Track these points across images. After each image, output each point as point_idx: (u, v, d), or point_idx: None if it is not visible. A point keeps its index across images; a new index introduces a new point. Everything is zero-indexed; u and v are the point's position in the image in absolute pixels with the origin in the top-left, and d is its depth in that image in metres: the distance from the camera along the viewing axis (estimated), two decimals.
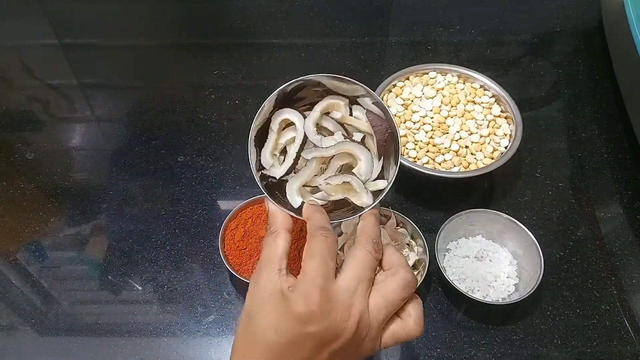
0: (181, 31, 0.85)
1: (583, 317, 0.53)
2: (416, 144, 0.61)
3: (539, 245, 0.52)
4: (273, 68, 0.77)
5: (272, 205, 0.38)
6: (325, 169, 0.43)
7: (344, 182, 0.41)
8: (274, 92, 0.41)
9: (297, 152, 0.42)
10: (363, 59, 0.78)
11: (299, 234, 0.53)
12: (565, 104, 0.72)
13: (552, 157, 0.66)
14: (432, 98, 0.64)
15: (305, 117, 0.42)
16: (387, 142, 0.43)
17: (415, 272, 0.53)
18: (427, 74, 0.66)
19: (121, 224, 0.61)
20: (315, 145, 0.42)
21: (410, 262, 0.53)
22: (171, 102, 0.73)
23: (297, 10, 0.85)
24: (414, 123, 0.62)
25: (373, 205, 0.40)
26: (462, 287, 0.52)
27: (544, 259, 0.51)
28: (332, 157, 0.42)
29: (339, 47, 0.80)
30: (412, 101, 0.64)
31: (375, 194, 0.42)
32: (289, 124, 0.43)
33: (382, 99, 0.64)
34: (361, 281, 0.33)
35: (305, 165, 0.42)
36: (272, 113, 0.42)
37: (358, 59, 0.77)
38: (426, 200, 0.62)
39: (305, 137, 0.42)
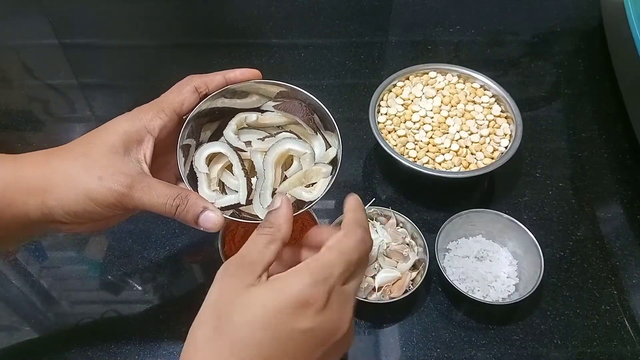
0: (181, 31, 0.85)
1: (583, 317, 0.53)
2: (416, 144, 0.61)
3: (539, 245, 0.52)
4: (273, 68, 0.77)
5: (285, 210, 0.35)
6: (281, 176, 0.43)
7: (298, 174, 0.42)
8: (179, 140, 0.41)
9: (242, 169, 0.42)
10: (363, 59, 0.78)
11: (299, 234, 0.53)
12: (565, 104, 0.72)
13: (552, 157, 0.66)
14: (432, 98, 0.64)
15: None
16: (312, 115, 0.44)
17: (415, 272, 0.53)
18: (427, 73, 0.66)
19: (121, 224, 0.61)
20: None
21: (410, 262, 0.53)
22: None
23: (297, 10, 0.85)
24: (414, 123, 0.62)
25: (337, 169, 0.41)
26: (462, 287, 0.52)
27: (544, 259, 0.51)
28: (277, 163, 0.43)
29: (339, 47, 0.80)
30: (412, 101, 0.64)
31: (332, 163, 0.42)
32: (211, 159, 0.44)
33: (382, 99, 0.64)
34: (356, 277, 0.33)
35: (263, 175, 0.42)
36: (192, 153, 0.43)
37: (358, 59, 0.77)
38: (426, 200, 0.62)
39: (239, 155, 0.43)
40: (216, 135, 0.45)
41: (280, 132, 0.44)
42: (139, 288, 0.56)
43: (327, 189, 0.40)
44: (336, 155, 0.42)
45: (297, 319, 0.29)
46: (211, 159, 0.43)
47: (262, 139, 0.44)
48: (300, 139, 0.44)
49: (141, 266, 0.57)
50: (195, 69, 0.77)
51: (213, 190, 0.42)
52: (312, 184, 0.42)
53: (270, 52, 0.79)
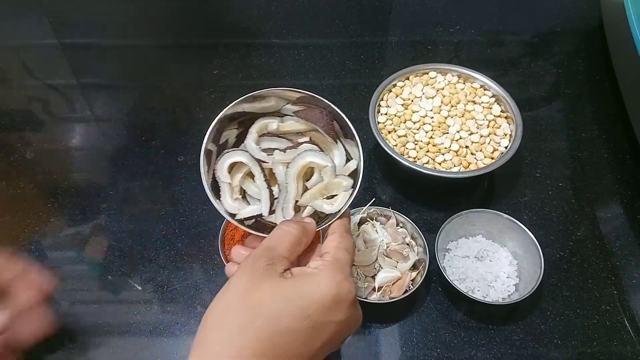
0: (181, 31, 0.85)
1: (583, 317, 0.53)
2: (416, 144, 0.61)
3: (539, 245, 0.52)
4: (273, 68, 0.77)
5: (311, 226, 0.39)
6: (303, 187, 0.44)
7: (319, 186, 0.42)
8: (203, 147, 0.42)
9: (265, 181, 0.42)
10: (363, 59, 0.78)
11: None
12: (565, 104, 0.72)
13: (552, 157, 0.66)
14: (432, 98, 0.64)
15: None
16: (332, 122, 0.44)
17: (415, 272, 0.53)
18: (427, 73, 0.66)
19: (121, 224, 0.61)
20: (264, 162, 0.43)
21: (410, 262, 0.53)
22: (171, 102, 0.73)
23: (297, 10, 0.85)
24: (414, 123, 0.62)
25: (358, 182, 0.41)
26: (462, 287, 0.52)
27: (544, 259, 0.51)
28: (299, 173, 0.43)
29: (339, 47, 0.80)
30: (412, 101, 0.64)
31: (352, 175, 0.42)
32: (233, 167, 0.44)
33: (382, 99, 0.64)
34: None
35: (285, 189, 0.42)
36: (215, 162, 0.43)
37: (358, 59, 0.77)
38: (426, 200, 0.62)
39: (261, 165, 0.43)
40: (237, 141, 0.45)
41: (301, 140, 0.44)
42: (139, 288, 0.56)
43: (349, 202, 0.41)
44: (357, 167, 0.42)
45: (334, 311, 0.33)
46: (231, 169, 0.43)
47: (284, 150, 0.43)
48: (321, 148, 0.44)
49: (141, 266, 0.58)
50: (195, 69, 0.78)
51: (235, 199, 0.43)
52: (333, 196, 0.43)
53: (270, 52, 0.79)
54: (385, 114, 0.63)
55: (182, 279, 0.56)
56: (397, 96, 0.64)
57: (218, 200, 0.42)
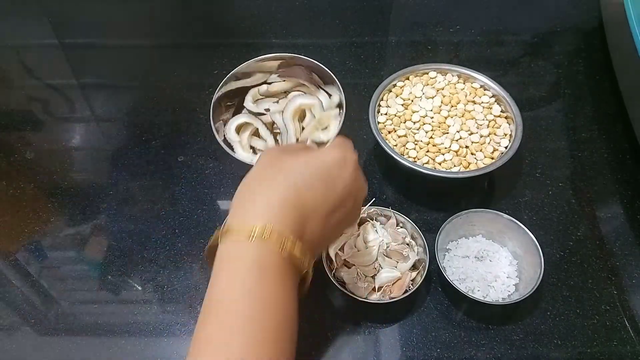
0: (181, 31, 0.85)
1: (583, 317, 0.53)
2: (416, 144, 0.61)
3: (539, 245, 0.52)
4: None
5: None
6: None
7: (313, 122, 0.54)
8: (211, 121, 0.56)
9: (267, 130, 0.54)
10: (363, 59, 0.78)
11: None
12: (565, 104, 0.72)
13: (552, 157, 0.66)
14: (432, 98, 0.64)
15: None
16: (311, 74, 0.56)
17: (415, 272, 0.53)
18: (427, 73, 0.66)
19: (121, 224, 0.61)
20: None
21: (410, 262, 0.53)
22: (171, 102, 0.73)
23: (297, 10, 0.85)
24: (414, 123, 0.62)
25: (344, 110, 0.54)
26: (462, 287, 0.52)
27: (544, 259, 0.51)
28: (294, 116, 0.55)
29: (339, 47, 0.80)
30: (412, 101, 0.64)
31: (339, 107, 0.54)
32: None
33: (382, 98, 0.64)
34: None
35: (285, 129, 0.53)
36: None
37: (358, 59, 0.77)
38: (426, 200, 0.62)
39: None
40: (237, 113, 0.57)
41: (290, 93, 0.57)
42: (139, 288, 0.56)
43: (340, 127, 0.52)
44: (340, 99, 0.54)
45: (342, 169, 0.41)
46: (239, 130, 0.54)
47: (277, 102, 0.55)
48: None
49: (141, 266, 0.58)
50: (195, 69, 0.78)
51: (247, 152, 0.54)
52: (326, 128, 0.54)
53: (270, 52, 0.79)
54: (385, 114, 0.63)
55: (182, 279, 0.57)
56: (397, 96, 0.64)
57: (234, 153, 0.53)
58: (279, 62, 0.55)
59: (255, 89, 0.55)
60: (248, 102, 0.55)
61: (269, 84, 0.55)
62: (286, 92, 0.56)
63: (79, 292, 0.57)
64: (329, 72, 0.54)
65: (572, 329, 0.52)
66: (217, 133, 0.53)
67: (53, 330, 0.54)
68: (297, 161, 0.40)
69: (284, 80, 0.56)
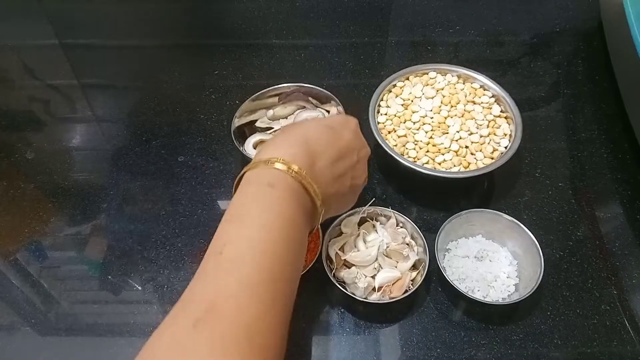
0: (181, 31, 0.85)
1: (583, 317, 0.53)
2: (416, 144, 0.61)
3: (539, 245, 0.52)
4: (273, 68, 0.77)
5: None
6: None
7: None
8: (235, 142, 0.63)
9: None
10: (363, 59, 0.78)
11: None
12: (565, 104, 0.72)
13: (552, 157, 0.66)
14: (432, 98, 0.64)
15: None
16: (307, 98, 0.66)
17: (415, 272, 0.53)
18: (427, 74, 0.66)
19: (121, 224, 0.61)
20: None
21: (410, 262, 0.53)
22: (171, 102, 0.73)
23: (297, 10, 0.85)
24: (414, 123, 0.62)
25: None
26: (462, 287, 0.52)
27: (544, 259, 0.51)
28: None
29: (339, 47, 0.80)
30: (412, 101, 0.64)
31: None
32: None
33: (382, 99, 0.64)
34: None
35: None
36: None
37: (358, 59, 0.78)
38: (426, 200, 0.62)
39: None
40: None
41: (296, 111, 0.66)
42: (139, 288, 0.56)
43: None
44: (338, 111, 0.63)
45: (345, 125, 0.49)
46: (255, 146, 0.62)
47: (285, 118, 0.65)
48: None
49: (141, 266, 0.58)
50: (196, 69, 0.78)
51: None
52: None
53: (270, 52, 0.79)
54: (385, 114, 0.63)
55: (182, 279, 0.56)
56: (397, 96, 0.64)
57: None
58: (277, 96, 0.66)
59: (264, 115, 0.66)
60: (260, 122, 0.66)
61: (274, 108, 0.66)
62: (292, 114, 0.66)
63: (79, 292, 0.57)
64: (325, 91, 0.64)
65: (572, 329, 0.52)
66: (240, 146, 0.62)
67: (53, 330, 0.54)
68: (306, 122, 0.50)
69: (286, 107, 0.66)
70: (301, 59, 0.78)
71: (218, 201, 0.63)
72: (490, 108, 0.63)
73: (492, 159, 0.59)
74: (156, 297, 0.55)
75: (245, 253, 0.37)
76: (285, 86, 0.65)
